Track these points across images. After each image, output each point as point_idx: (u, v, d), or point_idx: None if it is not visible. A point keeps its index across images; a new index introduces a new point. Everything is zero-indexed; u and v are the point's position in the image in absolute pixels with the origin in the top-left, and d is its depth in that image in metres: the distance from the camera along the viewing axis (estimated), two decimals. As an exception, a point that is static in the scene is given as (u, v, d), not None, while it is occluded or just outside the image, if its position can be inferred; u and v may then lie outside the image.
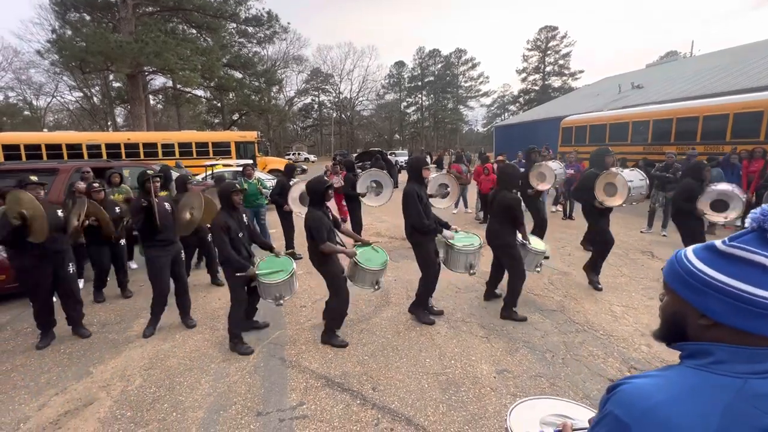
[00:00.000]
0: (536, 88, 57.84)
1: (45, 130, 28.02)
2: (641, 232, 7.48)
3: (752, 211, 0.67)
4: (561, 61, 56.39)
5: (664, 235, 7.11)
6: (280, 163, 18.20)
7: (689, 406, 0.61)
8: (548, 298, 4.49)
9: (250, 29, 31.45)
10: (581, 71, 56.36)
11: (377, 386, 2.94)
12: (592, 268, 4.73)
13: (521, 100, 59.52)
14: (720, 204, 4.54)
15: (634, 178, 4.54)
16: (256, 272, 3.43)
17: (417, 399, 2.78)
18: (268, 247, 3.87)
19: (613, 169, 4.57)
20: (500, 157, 8.70)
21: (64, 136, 16.43)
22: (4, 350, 3.69)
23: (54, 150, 14.94)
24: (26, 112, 42.67)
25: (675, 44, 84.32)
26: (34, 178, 3.67)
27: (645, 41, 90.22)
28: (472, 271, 3.98)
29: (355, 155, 23.08)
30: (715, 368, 0.64)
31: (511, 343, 3.50)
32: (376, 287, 3.70)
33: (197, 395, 2.91)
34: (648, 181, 4.58)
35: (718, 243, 0.69)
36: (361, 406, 2.73)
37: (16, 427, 2.64)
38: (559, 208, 9.54)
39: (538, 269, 4.25)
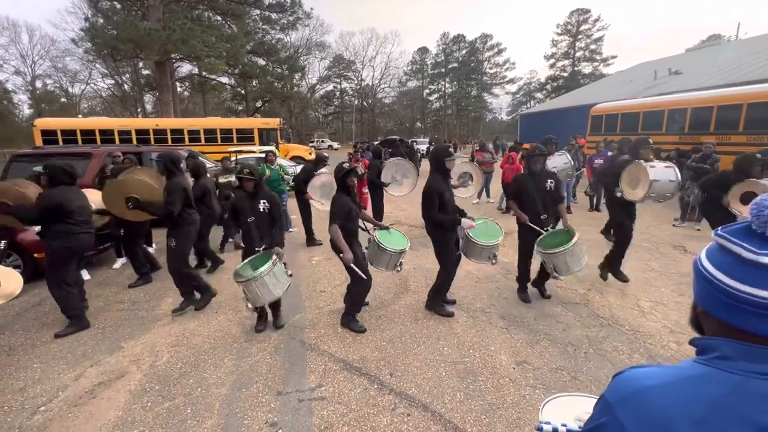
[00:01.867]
0: (565, 74, 55.65)
1: (80, 116, 29.21)
2: (674, 225, 7.16)
3: (753, 201, 0.65)
4: (593, 46, 53.96)
5: (698, 230, 6.78)
6: (302, 150, 18.37)
7: (676, 391, 0.61)
8: (571, 290, 4.38)
9: (274, 15, 31.44)
10: (614, 57, 54.08)
11: (395, 372, 2.96)
12: (609, 264, 4.53)
13: (548, 87, 57.48)
14: (750, 197, 4.16)
15: (662, 177, 4.13)
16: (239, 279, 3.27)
17: (434, 386, 2.78)
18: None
19: (643, 163, 4.19)
20: (526, 145, 8.43)
21: (98, 122, 17.06)
22: (44, 323, 3.92)
23: (88, 135, 15.57)
24: (63, 99, 44.63)
25: (719, 27, 78.96)
26: (38, 169, 3.93)
27: (685, 24, 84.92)
28: (494, 261, 3.92)
29: (376, 143, 23.01)
30: (717, 363, 0.62)
31: (532, 335, 3.44)
32: (398, 269, 3.71)
33: (221, 373, 3.01)
34: (679, 181, 4.16)
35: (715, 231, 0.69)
36: (379, 390, 2.76)
37: (55, 395, 2.81)
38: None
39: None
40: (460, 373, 2.93)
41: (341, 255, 3.40)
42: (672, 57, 26.62)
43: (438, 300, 3.91)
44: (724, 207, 4.23)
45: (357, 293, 3.57)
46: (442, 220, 3.59)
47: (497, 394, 2.70)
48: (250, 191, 3.55)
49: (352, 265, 3.38)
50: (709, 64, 19.87)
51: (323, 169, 6.50)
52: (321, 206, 5.89)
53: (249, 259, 3.49)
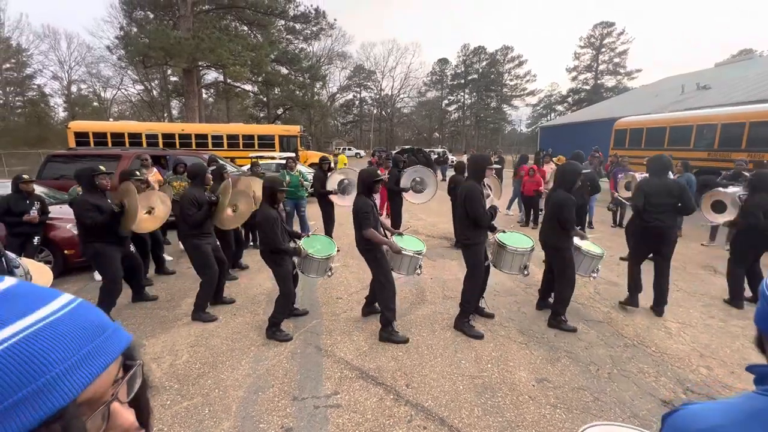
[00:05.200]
0: (587, 87, 54.93)
1: (110, 119, 30.45)
2: (702, 245, 6.89)
3: None
4: (616, 60, 53.17)
5: (728, 250, 6.49)
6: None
7: (747, 429, 0.56)
8: (594, 308, 4.25)
9: (298, 26, 32.31)
10: (638, 70, 52.84)
11: (411, 383, 2.92)
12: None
13: (570, 99, 56.78)
14: (719, 205, 4.64)
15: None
16: (306, 250, 3.69)
17: (451, 400, 2.73)
18: (297, 237, 4.01)
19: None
20: (561, 158, 8.31)
21: (127, 126, 17.74)
22: (71, 318, 4.04)
23: (118, 138, 16.19)
24: (95, 103, 46.53)
25: (750, 41, 76.48)
26: (102, 168, 3.96)
27: (715, 38, 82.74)
28: (526, 272, 3.87)
29: (394, 152, 23.15)
30: None
31: (552, 352, 3.35)
32: (418, 272, 3.80)
33: (238, 375, 3.03)
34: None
35: None
36: (395, 401, 2.72)
37: (79, 389, 2.88)
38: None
39: (594, 275, 3.97)
40: (478, 387, 2.87)
41: (375, 254, 3.51)
42: (700, 71, 25.96)
43: (466, 321, 3.75)
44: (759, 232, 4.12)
45: (385, 299, 3.56)
46: (486, 218, 3.51)
47: (516, 411, 2.62)
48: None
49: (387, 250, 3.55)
50: (740, 78, 19.27)
51: (332, 171, 6.57)
52: (342, 202, 6.01)
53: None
